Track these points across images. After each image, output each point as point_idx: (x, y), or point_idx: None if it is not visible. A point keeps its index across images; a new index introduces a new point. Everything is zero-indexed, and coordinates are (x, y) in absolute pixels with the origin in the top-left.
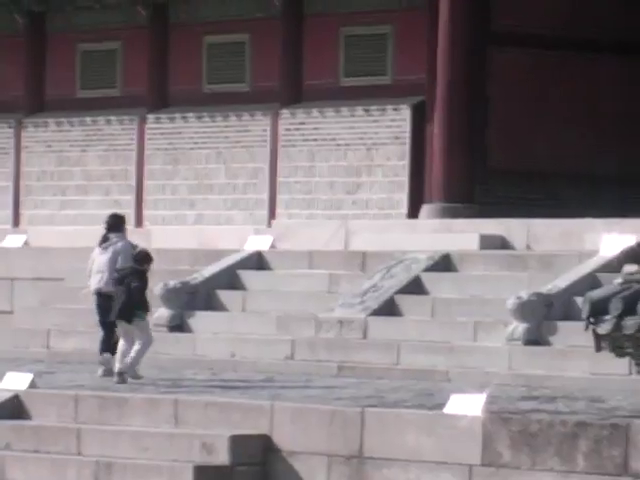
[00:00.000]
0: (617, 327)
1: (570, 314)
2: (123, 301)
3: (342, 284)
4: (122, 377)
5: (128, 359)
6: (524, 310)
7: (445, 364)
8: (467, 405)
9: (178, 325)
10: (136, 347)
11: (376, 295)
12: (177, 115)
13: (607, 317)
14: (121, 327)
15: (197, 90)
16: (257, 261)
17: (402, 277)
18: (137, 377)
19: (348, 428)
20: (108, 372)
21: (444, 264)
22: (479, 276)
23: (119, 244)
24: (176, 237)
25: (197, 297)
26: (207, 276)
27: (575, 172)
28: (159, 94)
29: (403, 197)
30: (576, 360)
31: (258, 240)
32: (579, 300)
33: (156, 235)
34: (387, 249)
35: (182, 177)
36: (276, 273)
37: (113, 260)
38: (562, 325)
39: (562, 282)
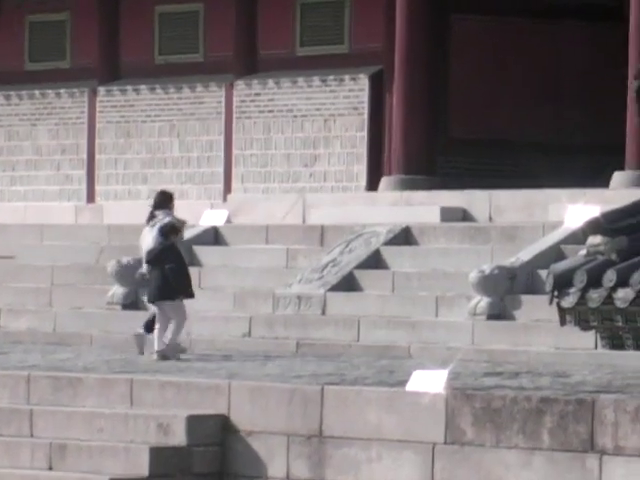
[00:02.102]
0: (582, 300)
1: (534, 287)
2: (158, 283)
3: (300, 259)
4: (163, 355)
5: (166, 340)
6: (487, 284)
7: (406, 340)
8: (429, 382)
9: (132, 303)
10: (172, 326)
11: (335, 270)
12: (129, 87)
13: (571, 290)
14: (157, 308)
15: (149, 61)
16: (213, 236)
17: (361, 251)
18: (182, 350)
19: (308, 407)
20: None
21: (404, 237)
22: (440, 249)
23: (165, 220)
24: (129, 213)
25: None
26: None
27: (539, 141)
28: (110, 66)
29: (362, 169)
30: (540, 335)
31: (213, 215)
32: (543, 273)
33: (108, 211)
34: (346, 223)
35: (134, 151)
36: (232, 248)
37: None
38: (526, 299)
39: (525, 255)
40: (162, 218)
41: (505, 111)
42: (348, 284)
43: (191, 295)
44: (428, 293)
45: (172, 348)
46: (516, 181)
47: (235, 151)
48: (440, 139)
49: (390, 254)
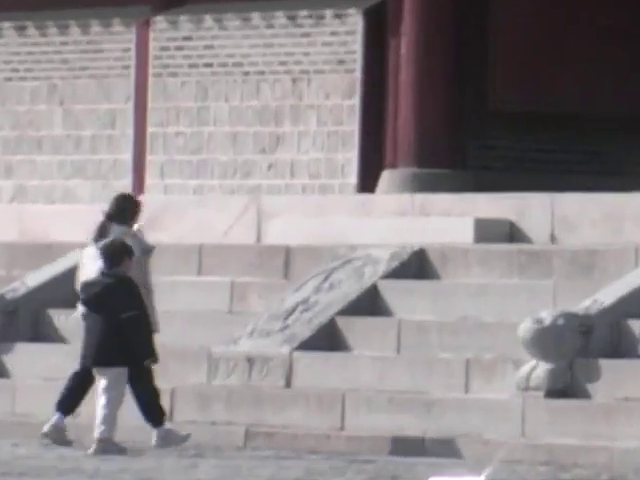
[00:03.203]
0: None
1: (621, 347)
2: (102, 340)
3: (252, 299)
4: (103, 445)
5: (100, 424)
6: (546, 341)
7: (419, 427)
8: None
9: None
10: (102, 403)
11: (308, 317)
12: None
13: None
14: (100, 375)
15: None
16: None
17: (349, 287)
18: (183, 439)
19: None
20: (56, 440)
21: (417, 267)
22: (474, 286)
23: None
24: None
25: (17, 320)
26: (33, 286)
27: (628, 117)
28: None
29: (351, 158)
30: (630, 422)
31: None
32: (636, 325)
33: None
34: (325, 242)
35: None
36: None
37: None
38: (608, 365)
39: (608, 296)
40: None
41: (576, 72)
42: (328, 339)
43: (156, 359)
44: (454, 355)
45: (167, 437)
46: (594, 178)
47: (151, 128)
48: (474, 113)
49: (394, 292)
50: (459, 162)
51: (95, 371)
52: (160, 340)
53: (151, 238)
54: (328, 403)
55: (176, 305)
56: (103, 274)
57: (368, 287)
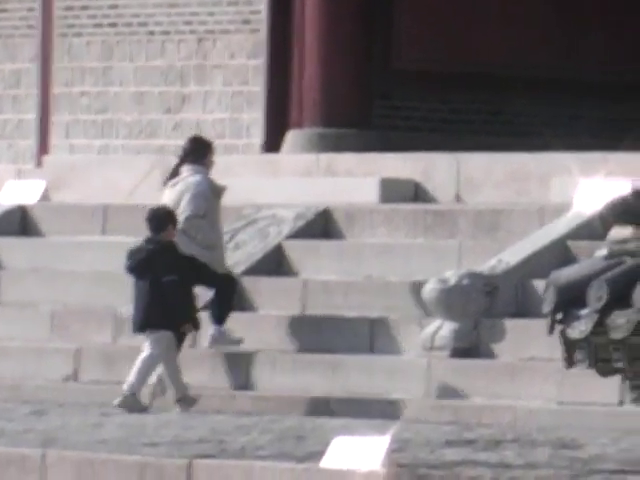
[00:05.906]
0: (600, 328)
1: (526, 307)
2: (147, 303)
3: None
4: (128, 400)
5: (132, 379)
6: (451, 301)
7: (324, 388)
8: (359, 454)
9: None
10: (140, 358)
11: None
12: None
13: (584, 312)
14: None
15: None
16: (18, 222)
17: (254, 247)
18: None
19: None
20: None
21: (322, 226)
22: (379, 246)
23: (190, 179)
24: None
25: None
26: None
27: (535, 77)
28: None
29: (256, 118)
30: (535, 381)
31: (20, 188)
32: (540, 284)
33: None
34: (230, 202)
35: None
36: (50, 241)
37: (178, 202)
38: (513, 325)
39: (512, 255)
40: (187, 175)
41: (483, 31)
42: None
43: (197, 325)
44: (358, 314)
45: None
46: (500, 139)
47: (56, 88)
48: (379, 72)
49: (299, 252)
50: (364, 122)
51: (147, 335)
52: (64, 300)
53: (55, 198)
54: (234, 363)
55: (80, 265)
56: (147, 240)
57: (273, 247)
